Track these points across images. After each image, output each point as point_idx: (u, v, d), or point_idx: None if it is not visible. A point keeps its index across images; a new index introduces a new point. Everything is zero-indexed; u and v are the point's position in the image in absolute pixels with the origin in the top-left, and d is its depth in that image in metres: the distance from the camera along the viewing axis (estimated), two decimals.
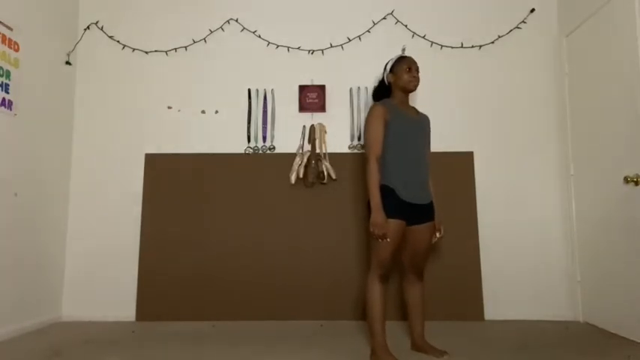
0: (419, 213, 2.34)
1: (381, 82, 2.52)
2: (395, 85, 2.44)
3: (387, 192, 2.28)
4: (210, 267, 3.31)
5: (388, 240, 2.22)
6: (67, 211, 3.42)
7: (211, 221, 3.35)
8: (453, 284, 3.23)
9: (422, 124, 2.45)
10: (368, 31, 3.51)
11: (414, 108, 2.52)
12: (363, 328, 2.96)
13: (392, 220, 2.23)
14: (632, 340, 2.63)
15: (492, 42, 3.47)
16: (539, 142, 3.42)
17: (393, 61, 2.46)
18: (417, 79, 2.42)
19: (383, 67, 2.55)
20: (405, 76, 2.39)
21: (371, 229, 2.24)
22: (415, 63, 2.43)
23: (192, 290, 3.29)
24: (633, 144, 2.63)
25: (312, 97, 3.44)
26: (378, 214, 2.23)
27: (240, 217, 3.36)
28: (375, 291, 2.26)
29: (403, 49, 2.58)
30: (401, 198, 2.27)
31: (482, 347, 2.53)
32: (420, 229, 2.36)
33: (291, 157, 3.37)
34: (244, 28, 3.55)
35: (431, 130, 2.56)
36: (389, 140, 2.33)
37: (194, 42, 3.54)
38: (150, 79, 3.53)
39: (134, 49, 3.54)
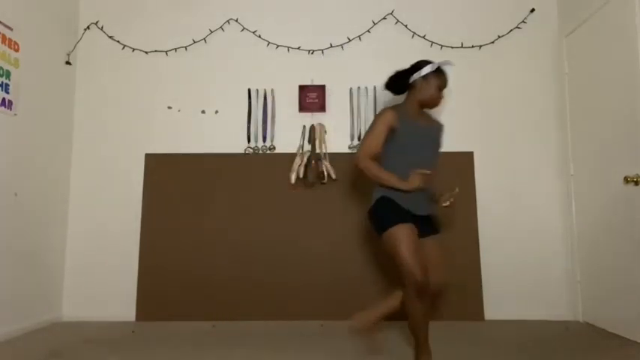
0: (423, 225, 2.21)
1: (402, 75, 2.31)
2: (417, 92, 2.26)
3: (385, 202, 2.20)
4: (210, 267, 3.31)
5: (428, 172, 2.13)
6: (67, 211, 3.42)
7: (211, 221, 3.35)
8: (453, 284, 3.22)
9: (432, 134, 2.30)
10: (368, 31, 3.51)
11: (428, 115, 2.37)
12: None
13: (398, 226, 2.11)
14: (632, 340, 2.63)
15: (492, 42, 3.47)
16: (539, 142, 3.42)
17: (432, 68, 2.24)
18: (441, 100, 2.29)
19: (414, 62, 2.31)
20: (435, 94, 2.24)
21: (414, 187, 2.12)
22: (447, 84, 2.29)
23: (192, 290, 3.29)
24: (633, 144, 2.63)
25: (312, 97, 3.44)
26: (403, 182, 2.14)
27: (240, 217, 3.35)
28: (415, 309, 2.12)
29: (447, 63, 2.30)
30: (401, 206, 2.17)
31: (482, 347, 2.53)
32: (427, 243, 2.20)
33: (291, 157, 3.37)
34: (244, 28, 3.55)
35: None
36: (393, 150, 2.23)
37: (194, 42, 3.53)
38: (150, 79, 3.53)
39: (134, 49, 3.54)
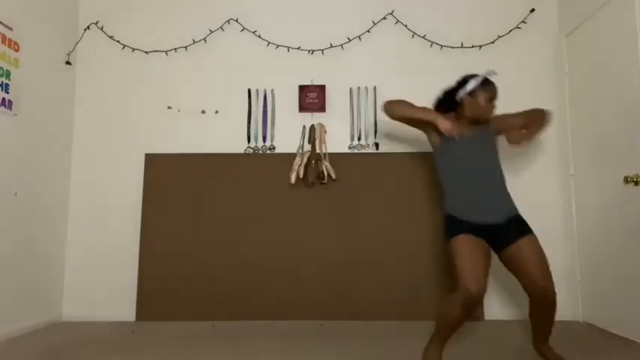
0: (501, 232, 2.12)
1: (449, 94, 2.30)
2: (467, 109, 2.23)
3: (446, 219, 2.19)
4: (210, 267, 3.31)
5: (459, 135, 2.09)
6: (67, 211, 3.42)
7: (211, 221, 3.35)
8: (453, 284, 3.22)
9: (481, 138, 2.23)
10: (368, 31, 3.51)
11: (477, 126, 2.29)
12: (363, 328, 2.96)
13: (457, 237, 2.08)
14: (632, 340, 2.63)
15: (492, 42, 3.47)
16: (539, 142, 3.42)
17: (476, 83, 2.21)
18: (492, 112, 2.24)
19: (460, 78, 2.31)
20: (485, 107, 2.20)
21: (446, 132, 2.11)
22: (497, 92, 2.23)
23: (192, 290, 3.29)
24: (633, 144, 2.63)
25: (312, 97, 3.44)
26: (437, 116, 2.14)
27: (240, 217, 3.35)
28: (451, 315, 1.99)
29: (491, 73, 2.26)
30: (460, 218, 2.13)
31: (483, 347, 2.53)
32: (514, 248, 2.10)
33: (291, 157, 3.37)
34: (244, 28, 3.55)
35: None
36: (443, 166, 2.23)
37: (194, 42, 3.53)
38: (150, 79, 3.53)
39: (134, 49, 3.54)
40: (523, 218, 2.21)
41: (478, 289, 1.93)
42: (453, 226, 2.14)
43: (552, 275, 2.13)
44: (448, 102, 2.31)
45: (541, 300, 2.12)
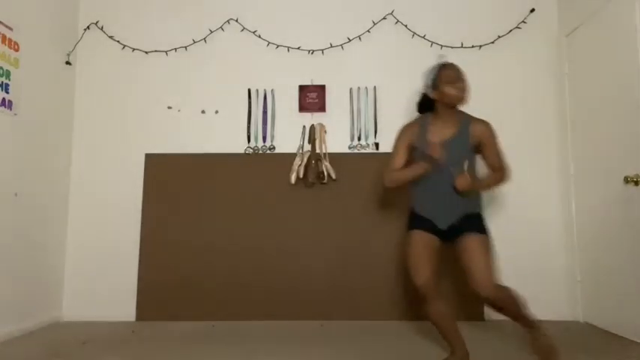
0: (454, 231, 2.14)
1: (424, 95, 2.26)
2: (440, 101, 2.17)
3: (410, 213, 2.25)
4: (210, 267, 3.31)
5: (437, 156, 2.06)
6: (67, 211, 3.42)
7: (211, 221, 3.35)
8: (453, 284, 3.22)
9: (455, 143, 2.16)
10: (368, 31, 3.51)
11: (464, 118, 2.20)
12: (363, 328, 2.96)
13: (412, 232, 2.17)
14: (632, 340, 2.63)
15: (492, 42, 3.47)
16: (539, 142, 3.42)
17: (434, 73, 2.16)
18: (463, 90, 2.13)
19: (424, 79, 2.26)
20: (451, 91, 2.12)
21: (421, 170, 2.14)
22: (459, 70, 2.14)
23: (192, 290, 3.29)
24: (633, 144, 2.63)
25: (312, 97, 3.44)
26: (419, 166, 2.15)
27: (240, 217, 3.35)
28: (426, 312, 2.16)
29: (442, 57, 2.24)
30: (420, 214, 2.19)
31: (483, 347, 2.53)
32: (460, 247, 2.13)
33: (291, 157, 3.37)
34: (244, 28, 3.55)
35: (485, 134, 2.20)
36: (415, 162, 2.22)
37: (194, 42, 3.53)
38: (150, 79, 3.53)
39: (134, 49, 3.54)
40: (480, 217, 2.18)
41: (422, 280, 2.10)
42: (413, 221, 2.22)
43: (492, 275, 2.09)
44: (427, 103, 2.26)
45: (483, 300, 2.12)
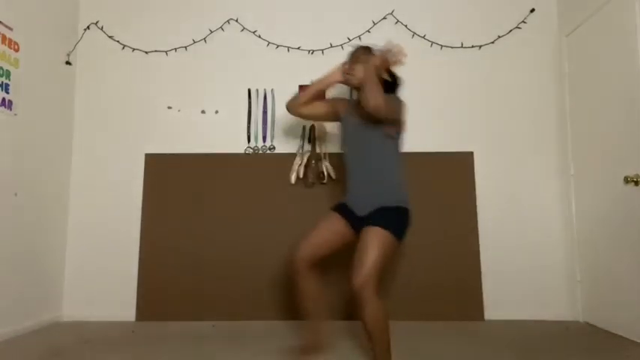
0: (363, 221, 2.16)
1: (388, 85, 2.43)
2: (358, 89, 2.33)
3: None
4: (210, 267, 3.31)
5: (347, 73, 2.30)
6: (67, 211, 3.42)
7: (211, 221, 3.35)
8: (453, 284, 3.23)
9: (366, 126, 2.18)
10: (368, 31, 3.51)
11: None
12: (362, 329, 2.95)
13: (329, 212, 2.34)
14: (632, 340, 2.63)
15: (492, 42, 3.47)
16: (539, 142, 3.42)
17: (345, 65, 2.39)
18: (351, 74, 2.30)
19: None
20: (351, 75, 2.33)
21: (341, 77, 2.35)
22: (355, 54, 2.34)
23: (192, 290, 3.29)
24: (633, 144, 2.63)
25: None
26: (327, 75, 2.38)
27: (240, 217, 3.35)
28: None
29: (353, 46, 2.48)
30: (343, 201, 2.34)
31: (482, 347, 2.53)
32: (360, 237, 2.11)
33: (291, 157, 3.37)
34: (244, 28, 3.55)
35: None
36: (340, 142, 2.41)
37: (194, 42, 3.53)
38: (150, 79, 3.53)
39: (134, 49, 3.54)
40: (395, 211, 2.12)
41: (298, 254, 2.21)
42: (336, 205, 2.37)
43: (366, 273, 1.96)
44: (387, 88, 2.29)
45: (353, 294, 1.97)
